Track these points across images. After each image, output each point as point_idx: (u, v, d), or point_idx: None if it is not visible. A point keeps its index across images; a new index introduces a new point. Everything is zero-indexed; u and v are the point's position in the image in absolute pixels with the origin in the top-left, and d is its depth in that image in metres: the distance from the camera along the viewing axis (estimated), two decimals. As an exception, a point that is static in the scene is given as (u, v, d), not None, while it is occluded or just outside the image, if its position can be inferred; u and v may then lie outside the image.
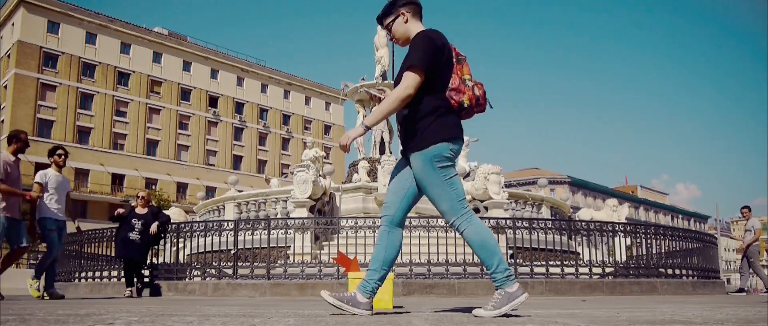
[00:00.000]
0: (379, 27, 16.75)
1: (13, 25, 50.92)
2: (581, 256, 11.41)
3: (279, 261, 9.38)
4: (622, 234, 10.42)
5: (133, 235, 9.08)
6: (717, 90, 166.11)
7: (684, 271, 11.05)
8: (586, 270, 9.55)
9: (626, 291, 9.39)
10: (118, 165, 53.07)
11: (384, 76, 17.47)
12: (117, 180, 52.87)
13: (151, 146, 56.39)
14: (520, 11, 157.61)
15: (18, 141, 7.39)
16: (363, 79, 17.61)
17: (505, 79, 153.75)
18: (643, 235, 10.63)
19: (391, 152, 16.60)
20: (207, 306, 5.17)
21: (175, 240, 10.28)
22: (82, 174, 50.79)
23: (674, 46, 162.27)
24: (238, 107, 63.16)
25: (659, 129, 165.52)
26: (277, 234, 9.68)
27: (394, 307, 4.59)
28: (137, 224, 9.15)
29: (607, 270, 9.88)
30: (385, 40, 18.21)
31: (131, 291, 8.87)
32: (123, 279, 10.06)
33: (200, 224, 9.86)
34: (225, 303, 5.98)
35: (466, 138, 17.13)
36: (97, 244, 10.77)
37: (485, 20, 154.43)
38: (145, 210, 9.36)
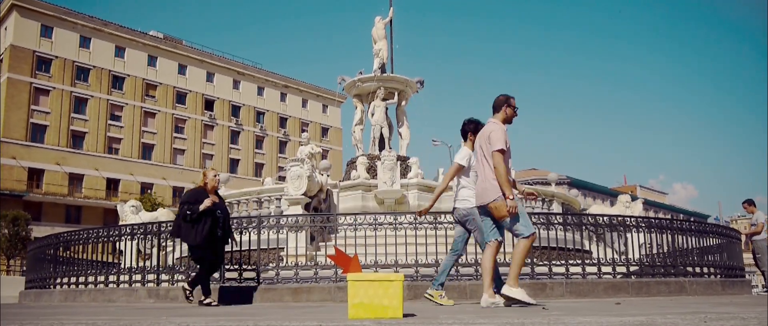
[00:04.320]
0: (377, 19, 15.87)
1: (5, 29, 50.04)
2: (593, 255, 10.63)
3: (271, 264, 8.51)
4: (646, 230, 9.55)
5: (220, 232, 7.29)
6: (714, 89, 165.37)
7: (710, 269, 10.21)
8: (609, 269, 8.69)
9: (654, 292, 8.53)
10: (113, 169, 52.09)
11: (383, 69, 16.63)
12: (112, 185, 51.88)
13: (147, 150, 55.46)
14: (516, 10, 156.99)
15: (510, 107, 5.84)
16: (361, 73, 16.76)
17: (502, 78, 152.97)
18: (668, 231, 9.76)
19: (390, 148, 15.75)
20: (179, 315, 4.32)
21: (159, 243, 9.40)
22: (76, 179, 49.81)
23: (671, 44, 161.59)
24: (235, 110, 62.28)
25: (656, 129, 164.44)
26: (269, 234, 8.79)
27: (404, 315, 3.71)
28: (220, 217, 7.31)
29: (631, 268, 9.03)
30: (383, 33, 17.41)
31: (210, 298, 7.19)
32: (100, 286, 9.21)
33: (184, 224, 8.94)
34: (205, 311, 5.14)
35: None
36: (72, 248, 9.88)
37: (483, 18, 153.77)
38: (216, 199, 7.45)
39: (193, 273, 7.74)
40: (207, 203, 7.09)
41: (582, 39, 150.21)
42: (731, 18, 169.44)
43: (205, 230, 7.05)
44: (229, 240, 7.72)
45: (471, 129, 6.35)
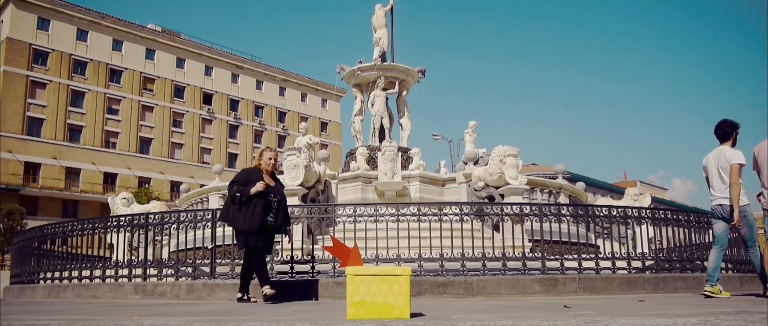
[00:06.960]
0: (377, 6, 15.31)
1: (2, 21, 49.44)
2: (600, 249, 10.17)
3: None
4: (663, 223, 9.06)
5: (272, 219, 6.46)
6: (714, 85, 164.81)
7: (727, 265, 9.73)
8: (623, 264, 8.22)
9: (671, 288, 8.06)
10: (111, 163, 51.57)
11: (383, 58, 16.11)
12: (109, 179, 51.38)
13: (144, 144, 54.90)
14: (517, 4, 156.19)
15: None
16: (361, 62, 16.26)
17: (502, 74, 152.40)
18: (684, 225, 9.28)
19: (391, 139, 15.25)
20: (155, 314, 3.84)
21: (147, 235, 8.91)
22: (73, 174, 49.30)
23: (671, 40, 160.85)
24: (233, 104, 61.73)
25: (656, 124, 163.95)
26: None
27: (411, 315, 3.22)
28: (274, 202, 6.50)
29: (647, 263, 8.55)
30: (383, 21, 16.92)
31: (270, 291, 6.23)
32: (85, 281, 8.71)
33: (172, 215, 8.44)
34: (187, 310, 4.66)
35: (473, 122, 15.82)
36: (60, 241, 9.40)
37: (482, 16, 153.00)
38: (272, 182, 6.61)
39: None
40: (259, 186, 6.29)
41: (582, 34, 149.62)
42: (732, 14, 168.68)
43: (257, 214, 6.28)
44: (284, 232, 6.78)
45: (737, 128, 6.86)
